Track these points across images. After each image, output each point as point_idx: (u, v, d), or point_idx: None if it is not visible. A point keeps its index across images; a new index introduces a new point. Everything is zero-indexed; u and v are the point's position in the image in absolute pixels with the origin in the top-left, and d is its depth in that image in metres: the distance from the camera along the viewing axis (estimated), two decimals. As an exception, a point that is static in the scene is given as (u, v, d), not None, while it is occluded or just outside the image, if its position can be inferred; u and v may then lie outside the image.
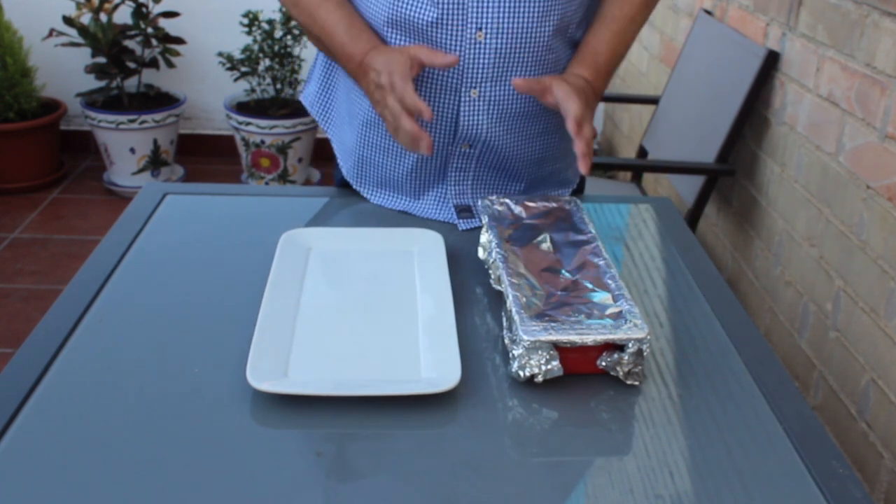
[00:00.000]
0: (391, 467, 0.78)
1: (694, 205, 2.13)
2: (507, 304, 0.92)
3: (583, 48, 1.19)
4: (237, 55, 3.36)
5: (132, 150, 3.36)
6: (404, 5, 1.13)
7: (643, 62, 3.15)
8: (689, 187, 2.19)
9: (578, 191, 1.39)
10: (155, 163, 3.42)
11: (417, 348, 0.93)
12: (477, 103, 1.16)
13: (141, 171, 3.40)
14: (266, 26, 3.28)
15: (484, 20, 1.12)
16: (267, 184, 3.44)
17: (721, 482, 0.78)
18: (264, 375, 0.85)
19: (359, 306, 1.01)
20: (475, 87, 1.15)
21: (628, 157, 3.28)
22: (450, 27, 1.12)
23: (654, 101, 2.67)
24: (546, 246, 1.05)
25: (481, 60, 1.13)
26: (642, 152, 2.62)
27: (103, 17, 3.23)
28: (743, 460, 0.81)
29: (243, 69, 3.34)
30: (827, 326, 1.70)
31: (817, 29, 1.79)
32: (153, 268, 1.10)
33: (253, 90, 3.44)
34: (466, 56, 1.13)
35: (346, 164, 1.33)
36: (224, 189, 1.35)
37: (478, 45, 1.13)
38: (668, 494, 0.76)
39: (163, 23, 3.35)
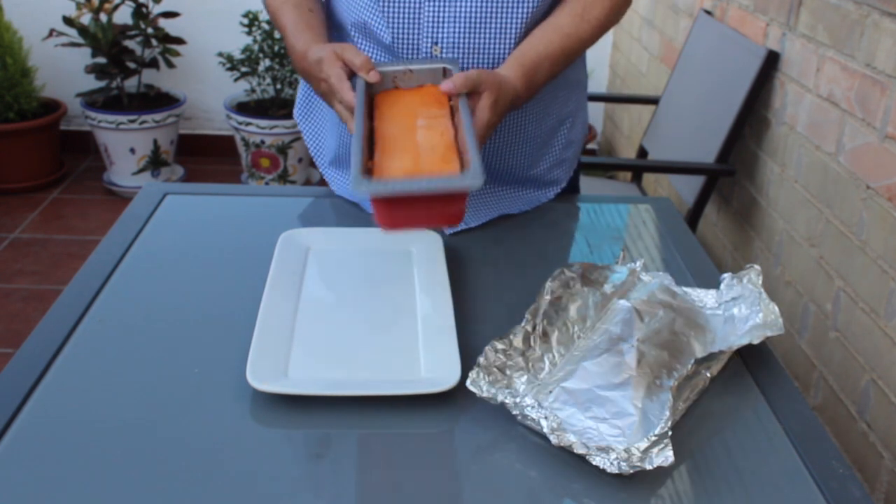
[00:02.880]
0: (391, 467, 0.78)
1: (694, 205, 2.13)
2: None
3: (528, 56, 1.12)
4: (237, 55, 3.36)
5: (132, 151, 3.36)
6: (364, 13, 1.16)
7: (643, 62, 3.14)
8: (689, 187, 2.19)
9: (573, 190, 1.38)
10: (155, 163, 3.42)
11: (417, 348, 0.93)
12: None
13: (141, 171, 3.40)
14: (266, 26, 3.28)
15: (440, 35, 1.14)
16: (267, 184, 3.44)
17: (720, 482, 0.78)
18: (264, 376, 0.85)
19: (358, 306, 1.01)
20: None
21: (628, 157, 3.28)
22: (404, 39, 1.15)
23: (654, 101, 2.68)
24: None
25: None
26: (642, 152, 2.62)
27: (103, 17, 3.23)
28: (743, 460, 0.81)
29: (243, 69, 3.34)
30: (827, 326, 1.70)
31: (817, 29, 1.79)
32: (153, 268, 1.10)
33: (253, 90, 3.44)
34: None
35: (325, 158, 1.35)
36: (224, 189, 1.35)
37: (435, 59, 1.14)
38: (667, 494, 0.76)
39: (163, 23, 3.35)
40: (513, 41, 1.15)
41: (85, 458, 0.77)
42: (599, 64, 3.67)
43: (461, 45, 1.14)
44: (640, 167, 2.61)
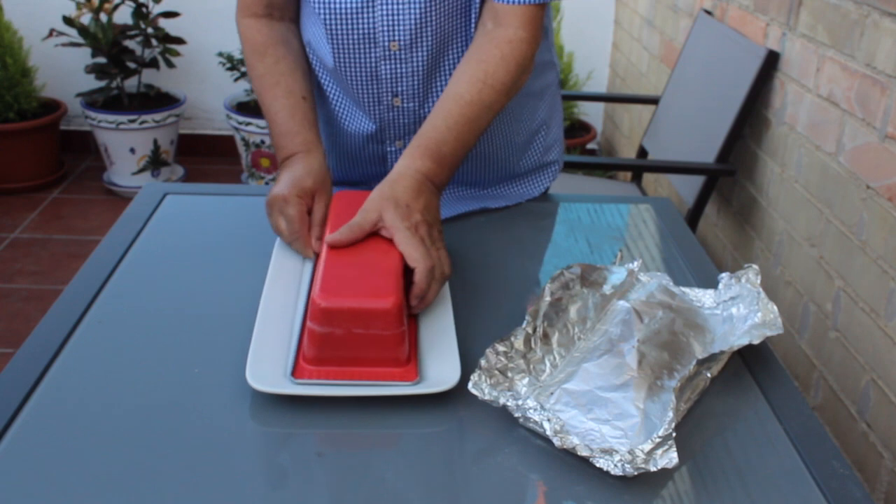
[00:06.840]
0: (391, 467, 0.78)
1: (694, 205, 2.13)
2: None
3: (427, 133, 1.07)
4: (237, 55, 3.36)
5: (132, 150, 3.36)
6: (331, 73, 1.21)
7: (643, 62, 3.14)
8: (689, 187, 2.19)
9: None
10: (155, 163, 3.42)
11: (417, 348, 0.93)
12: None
13: (141, 171, 3.40)
14: (266, 26, 3.28)
15: (399, 88, 1.17)
16: (267, 184, 3.44)
17: (721, 482, 0.78)
18: (264, 376, 0.85)
19: (359, 306, 1.01)
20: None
21: (628, 157, 3.28)
22: (367, 94, 1.19)
23: (654, 101, 2.68)
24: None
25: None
26: (642, 152, 2.62)
27: (103, 17, 3.23)
28: (743, 460, 0.81)
29: (243, 69, 3.34)
30: (827, 326, 1.70)
31: (817, 29, 1.79)
32: (153, 268, 1.10)
33: (253, 90, 3.43)
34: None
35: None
36: (224, 189, 1.35)
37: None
38: (668, 494, 0.76)
39: (163, 23, 3.35)
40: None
41: (85, 458, 0.77)
42: (599, 64, 3.67)
43: (419, 95, 1.18)
44: (640, 167, 2.61)
